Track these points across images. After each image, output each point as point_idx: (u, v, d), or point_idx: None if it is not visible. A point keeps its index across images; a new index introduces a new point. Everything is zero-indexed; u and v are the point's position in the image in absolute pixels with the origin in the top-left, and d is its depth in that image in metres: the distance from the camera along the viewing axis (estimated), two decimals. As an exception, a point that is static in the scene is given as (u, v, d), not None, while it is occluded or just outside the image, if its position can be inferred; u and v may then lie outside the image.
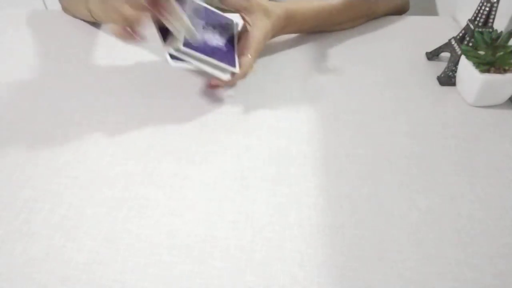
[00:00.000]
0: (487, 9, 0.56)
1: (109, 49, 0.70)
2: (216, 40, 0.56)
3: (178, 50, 0.50)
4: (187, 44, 0.50)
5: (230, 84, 0.56)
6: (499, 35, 0.54)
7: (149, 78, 0.63)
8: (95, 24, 0.75)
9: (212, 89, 0.56)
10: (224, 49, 0.55)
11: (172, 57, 0.51)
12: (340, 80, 0.63)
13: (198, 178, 0.47)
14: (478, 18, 0.57)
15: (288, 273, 0.38)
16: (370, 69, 0.65)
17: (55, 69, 0.65)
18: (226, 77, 0.54)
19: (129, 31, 0.48)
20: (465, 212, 0.43)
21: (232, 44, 0.58)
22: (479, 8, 0.57)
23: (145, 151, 0.51)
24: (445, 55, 0.65)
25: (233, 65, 0.54)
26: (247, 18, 0.59)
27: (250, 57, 0.56)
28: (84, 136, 0.53)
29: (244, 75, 0.56)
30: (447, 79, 0.61)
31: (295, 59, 0.67)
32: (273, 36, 0.64)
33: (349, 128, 0.54)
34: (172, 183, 0.47)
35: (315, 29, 0.71)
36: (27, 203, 0.45)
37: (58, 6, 0.80)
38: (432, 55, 0.66)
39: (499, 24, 0.58)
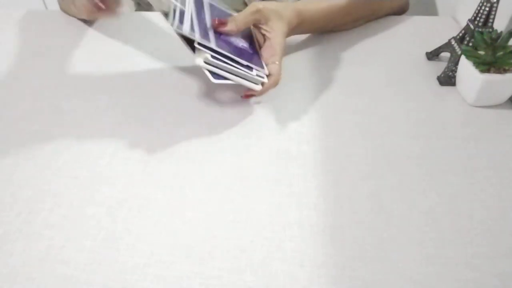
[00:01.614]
0: (487, 9, 0.56)
1: (110, 49, 0.70)
2: (241, 42, 0.57)
3: (206, 60, 0.50)
4: (216, 46, 0.51)
5: (263, 93, 0.56)
6: (499, 35, 0.54)
7: (149, 78, 0.63)
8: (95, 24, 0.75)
9: (246, 98, 0.57)
10: (250, 50, 0.56)
11: (212, 73, 0.51)
12: (340, 80, 0.63)
13: (198, 178, 0.47)
14: (478, 18, 0.57)
15: (288, 273, 0.38)
16: (370, 69, 0.65)
17: (55, 69, 0.65)
18: (258, 87, 0.55)
19: (98, 5, 0.48)
20: (465, 212, 0.43)
21: (254, 46, 0.59)
22: (479, 8, 0.57)
23: (145, 151, 0.51)
24: (445, 55, 0.65)
25: (262, 66, 0.55)
26: (264, 27, 0.58)
27: (277, 63, 0.56)
28: (84, 136, 0.53)
29: (275, 83, 0.56)
30: (447, 79, 0.61)
31: (296, 59, 0.67)
32: (287, 36, 0.64)
33: (349, 128, 0.54)
34: (172, 183, 0.47)
35: (323, 29, 0.71)
36: (27, 203, 0.45)
37: (57, 6, 0.80)
38: (432, 55, 0.66)
39: (499, 24, 0.58)
